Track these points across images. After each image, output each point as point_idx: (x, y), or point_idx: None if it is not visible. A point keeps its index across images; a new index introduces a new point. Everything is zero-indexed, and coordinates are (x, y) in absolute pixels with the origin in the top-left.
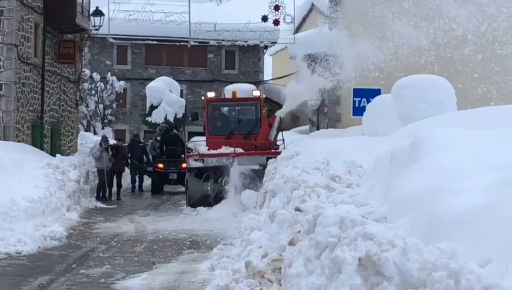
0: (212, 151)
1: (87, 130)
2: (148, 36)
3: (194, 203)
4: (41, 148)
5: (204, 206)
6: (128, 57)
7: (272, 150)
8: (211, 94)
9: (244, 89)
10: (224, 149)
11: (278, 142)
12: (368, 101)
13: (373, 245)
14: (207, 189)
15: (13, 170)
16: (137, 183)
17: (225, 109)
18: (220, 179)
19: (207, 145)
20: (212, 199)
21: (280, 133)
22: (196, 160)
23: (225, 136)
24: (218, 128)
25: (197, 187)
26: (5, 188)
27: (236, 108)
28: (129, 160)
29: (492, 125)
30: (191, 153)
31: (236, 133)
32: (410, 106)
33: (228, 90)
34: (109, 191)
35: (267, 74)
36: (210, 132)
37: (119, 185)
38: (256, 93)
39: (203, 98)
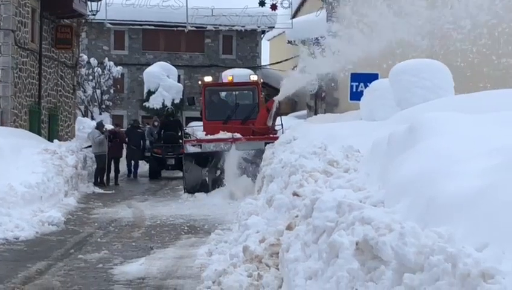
0: (209, 137)
1: (84, 115)
2: (146, 21)
3: (191, 189)
4: (39, 134)
5: (201, 192)
6: (126, 42)
7: (270, 135)
8: (208, 79)
9: (241, 74)
10: (222, 134)
11: (276, 127)
12: (366, 86)
13: (370, 229)
14: (204, 175)
15: (10, 156)
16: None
17: (222, 94)
18: (217, 165)
19: (204, 131)
20: (210, 185)
21: (278, 118)
22: (193, 145)
23: (222, 121)
24: (215, 113)
25: (194, 173)
26: (2, 174)
27: (234, 93)
28: (131, 146)
29: (490, 110)
30: (189, 138)
31: (234, 118)
32: (408, 91)
33: (225, 76)
34: (107, 177)
35: (265, 59)
36: (207, 117)
37: (117, 171)
38: (254, 77)
39: (200, 82)
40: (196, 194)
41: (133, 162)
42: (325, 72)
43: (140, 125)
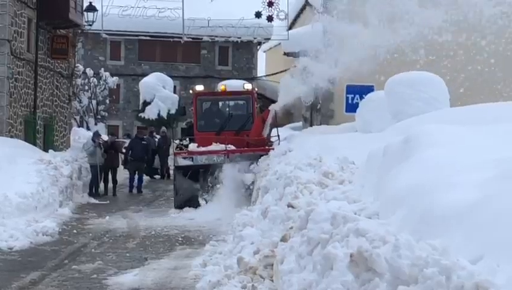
0: (201, 149)
1: (80, 125)
2: (142, 32)
3: (182, 204)
4: (34, 144)
5: (192, 207)
6: (122, 53)
7: (266, 147)
8: (199, 87)
9: (237, 85)
10: (215, 146)
11: (273, 139)
12: (361, 98)
13: (365, 241)
14: (196, 189)
15: (5, 166)
16: (135, 183)
17: (215, 104)
18: (210, 178)
19: (195, 142)
20: (202, 200)
21: (275, 129)
22: (185, 158)
23: (215, 132)
24: (207, 123)
25: (185, 187)
26: None
27: (227, 102)
28: (129, 157)
29: (485, 122)
30: (179, 151)
31: (227, 129)
32: (403, 103)
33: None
34: (105, 187)
35: (261, 71)
36: (198, 127)
37: (114, 181)
38: (248, 86)
39: (191, 91)
40: (185, 209)
41: (137, 176)
42: (321, 79)
43: (145, 137)
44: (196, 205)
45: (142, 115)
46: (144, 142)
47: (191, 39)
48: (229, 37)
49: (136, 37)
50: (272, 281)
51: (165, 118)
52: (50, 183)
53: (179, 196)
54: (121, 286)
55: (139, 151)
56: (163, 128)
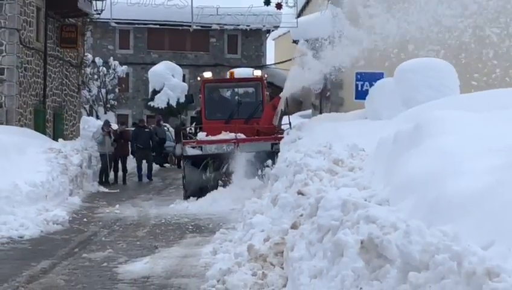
0: (211, 138)
1: (89, 114)
2: (151, 20)
3: (191, 194)
4: (44, 133)
5: (201, 197)
6: (131, 42)
7: (278, 135)
8: (207, 74)
9: (245, 73)
10: (224, 135)
11: (284, 127)
12: (371, 85)
13: (375, 228)
14: (206, 179)
15: (15, 155)
16: (143, 172)
17: (224, 91)
18: (220, 168)
19: (204, 131)
20: (212, 188)
21: (285, 117)
22: (193, 147)
23: (224, 121)
24: (215, 112)
25: (194, 177)
26: (7, 173)
27: (236, 90)
28: (135, 146)
29: (495, 108)
30: (188, 140)
31: (236, 117)
32: (413, 90)
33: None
34: (115, 176)
35: (270, 58)
36: (207, 116)
37: (124, 170)
38: (258, 73)
39: (199, 78)
40: (195, 198)
41: (146, 164)
42: (330, 65)
43: (151, 126)
44: (206, 194)
45: (151, 103)
46: (147, 130)
47: (199, 27)
48: (238, 25)
49: (145, 26)
50: (282, 268)
51: (174, 106)
52: (60, 172)
53: (189, 186)
54: (131, 274)
55: (144, 140)
56: (182, 117)
